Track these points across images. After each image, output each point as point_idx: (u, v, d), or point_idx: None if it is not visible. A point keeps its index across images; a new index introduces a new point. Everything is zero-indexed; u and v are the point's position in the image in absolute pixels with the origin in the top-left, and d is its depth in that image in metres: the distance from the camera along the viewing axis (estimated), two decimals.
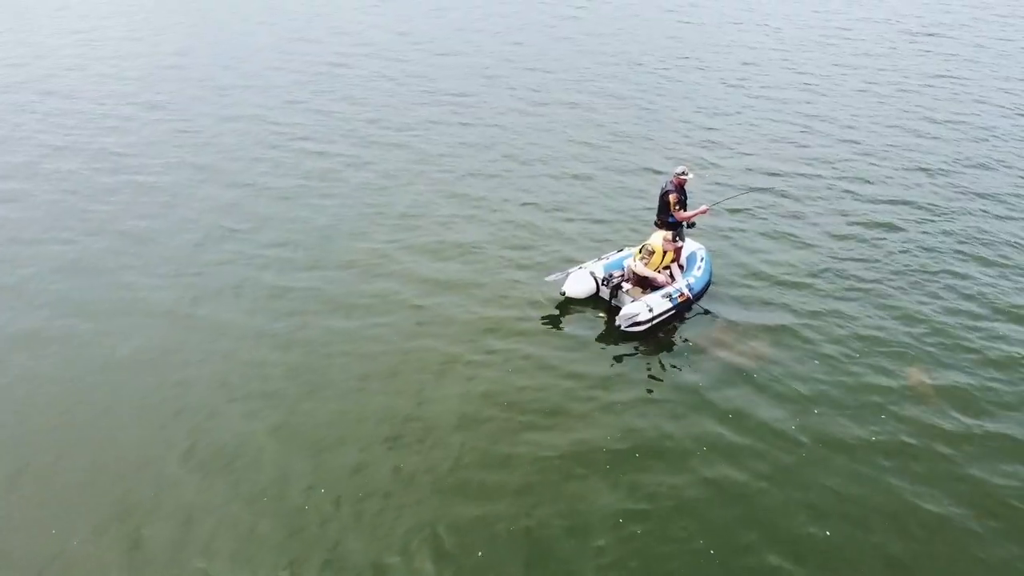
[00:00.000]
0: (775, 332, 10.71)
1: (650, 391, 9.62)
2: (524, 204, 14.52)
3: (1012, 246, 13.16)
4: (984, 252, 12.94)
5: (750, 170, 16.10)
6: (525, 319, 10.97)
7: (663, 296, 10.82)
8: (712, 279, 11.72)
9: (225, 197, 14.84)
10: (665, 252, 11.02)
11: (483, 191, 15.05)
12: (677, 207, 11.16)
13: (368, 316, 11.04)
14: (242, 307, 11.29)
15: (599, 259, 11.65)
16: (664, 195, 11.26)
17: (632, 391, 9.59)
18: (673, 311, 10.90)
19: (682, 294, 10.95)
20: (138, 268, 12.35)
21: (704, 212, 11.43)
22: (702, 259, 11.77)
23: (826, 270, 12.30)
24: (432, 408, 9.26)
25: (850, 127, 18.71)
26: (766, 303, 11.44)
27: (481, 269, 12.26)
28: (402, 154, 16.88)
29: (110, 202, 14.67)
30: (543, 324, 10.87)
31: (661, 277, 11.09)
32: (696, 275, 11.41)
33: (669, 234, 10.96)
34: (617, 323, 10.51)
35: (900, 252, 12.89)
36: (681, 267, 11.57)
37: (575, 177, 15.70)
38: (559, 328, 10.85)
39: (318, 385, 9.66)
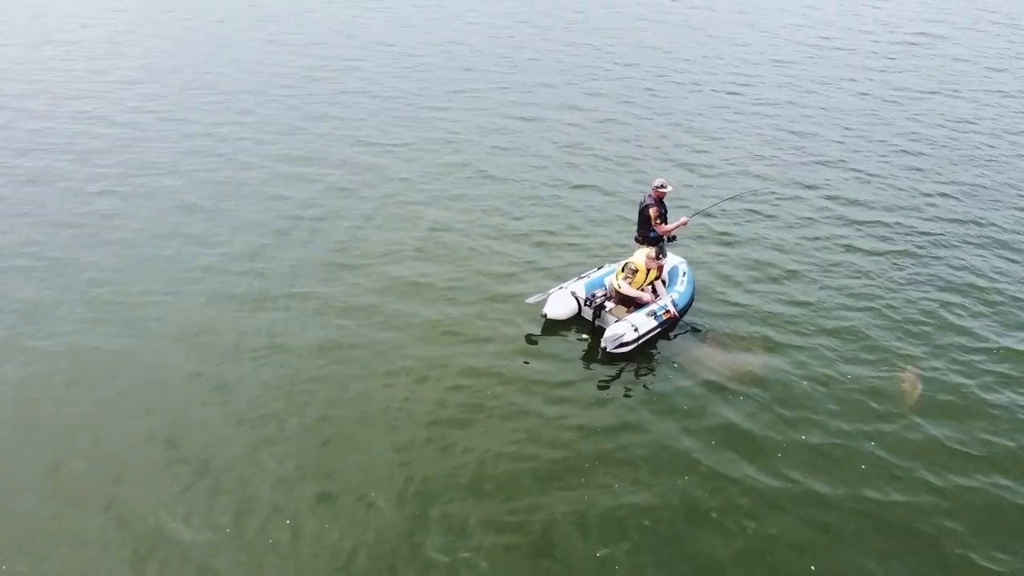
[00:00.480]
0: (763, 356, 10.20)
1: (637, 432, 8.94)
2: (503, 225, 13.97)
3: (1011, 275, 12.36)
4: (982, 282, 12.11)
5: (737, 189, 15.09)
6: (504, 350, 10.38)
7: (648, 314, 10.39)
8: (695, 293, 11.31)
9: (186, 224, 13.91)
10: (649, 270, 10.61)
11: (459, 213, 14.55)
12: (658, 220, 10.76)
13: (335, 355, 10.32)
14: (189, 349, 10.43)
15: (579, 278, 11.24)
16: (644, 209, 10.86)
17: (617, 435, 8.89)
18: (659, 329, 10.48)
19: (667, 311, 10.52)
20: (79, 304, 11.41)
21: (684, 224, 11.03)
22: (684, 273, 11.36)
23: (816, 294, 11.71)
24: (401, 456, 8.61)
25: (841, 143, 18.06)
26: (753, 324, 10.92)
27: (459, 294, 11.76)
28: (376, 175, 16.33)
29: (57, 229, 13.72)
30: (524, 352, 10.38)
31: (646, 295, 10.66)
32: (680, 290, 11.00)
33: (652, 251, 10.54)
34: (602, 345, 10.07)
35: (893, 280, 12.16)
36: (663, 282, 11.17)
37: (556, 195, 15.23)
38: (541, 355, 10.34)
39: (272, 435, 8.90)
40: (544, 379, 9.84)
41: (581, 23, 30.86)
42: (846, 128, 19.05)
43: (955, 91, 22.07)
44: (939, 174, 16.40)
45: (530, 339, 10.64)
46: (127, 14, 32.35)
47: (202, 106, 20.65)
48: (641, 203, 10.97)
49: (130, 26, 30.26)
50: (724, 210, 13.79)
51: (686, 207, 13.53)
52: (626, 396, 9.60)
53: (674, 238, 11.16)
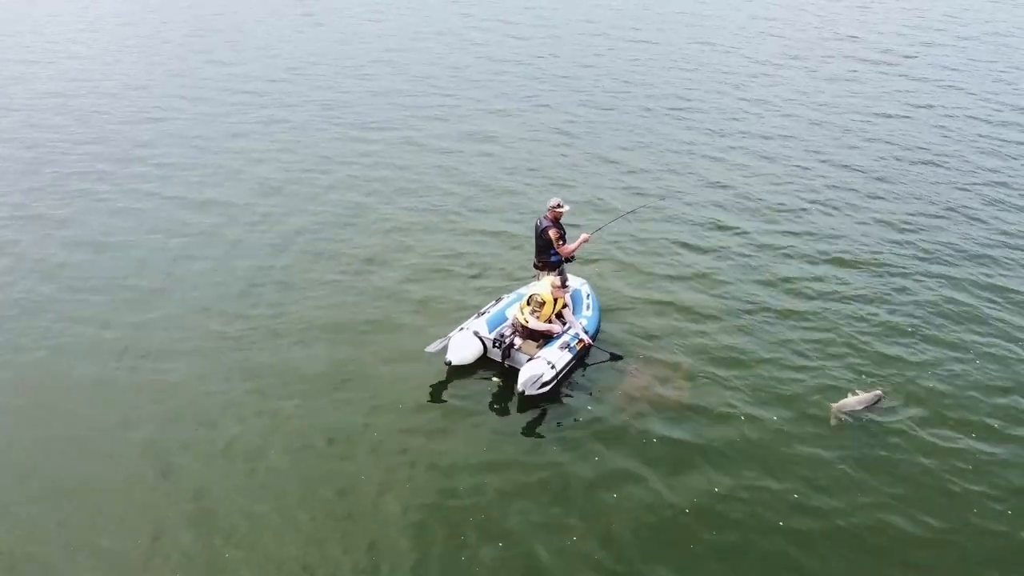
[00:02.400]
0: (683, 384, 9.54)
1: (562, 483, 8.09)
2: (395, 263, 12.38)
3: (960, 308, 11.24)
4: (920, 311, 11.10)
5: (671, 219, 13.88)
6: (408, 406, 9.14)
7: (561, 347, 9.52)
8: (601, 315, 10.60)
9: (77, 255, 12.59)
10: (556, 299, 9.70)
11: (358, 251, 12.80)
12: (560, 242, 9.87)
13: (219, 422, 8.95)
14: (66, 405, 9.32)
15: (479, 315, 10.08)
16: (542, 232, 9.91)
17: (541, 489, 7.99)
18: (574, 361, 9.66)
19: (580, 340, 9.71)
20: None
21: (587, 240, 10.24)
22: (588, 295, 10.62)
23: (740, 315, 10.88)
24: (310, 529, 7.54)
25: (804, 166, 16.34)
26: (671, 349, 10.19)
27: (351, 346, 10.29)
28: (274, 203, 14.49)
29: None
30: (429, 409, 9.15)
31: (555, 326, 9.77)
32: (587, 315, 10.25)
33: (557, 279, 9.61)
34: (520, 389, 9.02)
35: (821, 305, 11.19)
36: (567, 306, 10.34)
37: (449, 224, 13.73)
38: (451, 411, 9.14)
39: (125, 501, 7.87)
40: (456, 434, 8.75)
41: (536, 36, 27.83)
42: (784, 139, 17.65)
43: (934, 106, 20.11)
44: (883, 191, 15.14)
45: (436, 393, 9.38)
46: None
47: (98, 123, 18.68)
48: (537, 226, 10.01)
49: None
50: (630, 222, 12.78)
51: (590, 224, 12.16)
52: (545, 444, 8.74)
53: (572, 258, 10.34)
